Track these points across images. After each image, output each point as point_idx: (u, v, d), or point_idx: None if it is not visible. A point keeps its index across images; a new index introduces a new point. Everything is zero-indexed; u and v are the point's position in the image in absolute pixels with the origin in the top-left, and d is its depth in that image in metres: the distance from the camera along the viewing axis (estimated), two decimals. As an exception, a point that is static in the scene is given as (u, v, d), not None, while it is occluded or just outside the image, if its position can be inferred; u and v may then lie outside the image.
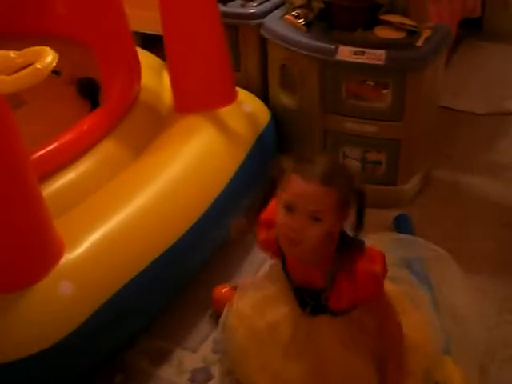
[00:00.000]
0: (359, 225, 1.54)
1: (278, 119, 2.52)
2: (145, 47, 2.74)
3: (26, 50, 1.38)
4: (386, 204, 2.45)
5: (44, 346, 1.58)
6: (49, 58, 1.30)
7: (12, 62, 1.35)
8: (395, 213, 2.41)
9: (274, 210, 1.56)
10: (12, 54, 1.37)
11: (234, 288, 1.96)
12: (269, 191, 1.60)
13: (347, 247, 1.56)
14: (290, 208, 1.47)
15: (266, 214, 1.67)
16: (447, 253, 1.93)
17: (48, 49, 1.34)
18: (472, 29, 3.62)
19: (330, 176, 1.44)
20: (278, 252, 1.65)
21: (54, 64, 1.30)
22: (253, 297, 1.78)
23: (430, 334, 1.74)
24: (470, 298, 2.00)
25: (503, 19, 3.77)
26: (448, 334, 1.82)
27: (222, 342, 1.86)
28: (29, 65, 1.31)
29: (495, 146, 2.86)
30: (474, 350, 1.86)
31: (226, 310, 1.84)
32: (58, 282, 1.63)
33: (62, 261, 1.67)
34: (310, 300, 1.65)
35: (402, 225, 2.36)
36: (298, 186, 1.46)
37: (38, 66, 1.28)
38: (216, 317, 1.98)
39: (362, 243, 1.57)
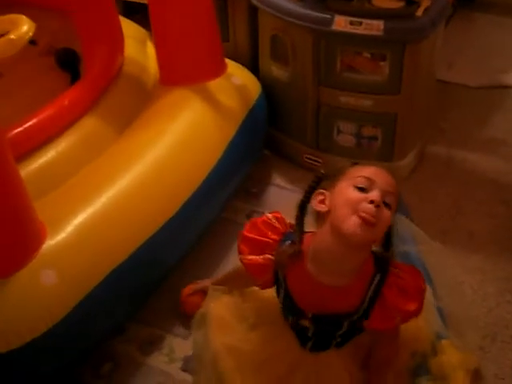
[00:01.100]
0: (388, 244, 1.48)
1: (269, 92, 2.42)
2: (127, 15, 2.62)
3: (1, 19, 1.26)
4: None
5: (27, 338, 1.48)
6: (24, 27, 1.18)
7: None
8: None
9: (257, 229, 1.50)
10: (-14, 23, 1.25)
11: (203, 291, 1.83)
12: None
13: (383, 261, 1.47)
14: (364, 189, 1.38)
15: (248, 232, 1.53)
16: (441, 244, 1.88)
17: (23, 17, 1.22)
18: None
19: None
20: (273, 278, 1.52)
21: (31, 34, 1.20)
22: (237, 327, 1.63)
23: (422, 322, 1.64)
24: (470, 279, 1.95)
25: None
26: (446, 317, 1.74)
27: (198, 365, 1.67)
28: (3, 34, 1.19)
29: (490, 120, 2.79)
30: (474, 332, 1.80)
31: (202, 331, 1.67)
32: (40, 271, 1.53)
33: (44, 247, 1.57)
34: (317, 334, 1.53)
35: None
36: (373, 168, 1.42)
37: (13, 36, 1.17)
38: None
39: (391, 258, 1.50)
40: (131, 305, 1.80)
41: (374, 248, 1.49)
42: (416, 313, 1.44)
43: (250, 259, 1.51)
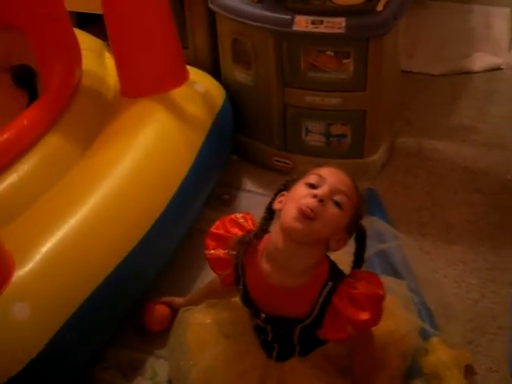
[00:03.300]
0: (359, 260, 1.50)
1: (233, 97, 2.38)
2: (81, 27, 2.55)
3: None
4: (353, 177, 2.32)
5: (2, 379, 1.40)
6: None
7: None
8: (363, 186, 2.30)
9: (224, 226, 1.54)
10: None
11: (168, 304, 1.83)
12: None
13: (339, 271, 1.47)
14: (314, 185, 1.39)
15: (215, 228, 1.58)
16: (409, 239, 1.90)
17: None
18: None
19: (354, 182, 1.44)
20: (234, 273, 1.54)
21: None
22: (212, 344, 1.61)
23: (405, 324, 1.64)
24: (452, 272, 1.93)
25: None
26: (433, 313, 1.73)
27: None
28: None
29: (455, 108, 2.79)
30: (462, 326, 1.78)
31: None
32: (12, 305, 1.45)
33: (13, 279, 1.49)
34: (277, 339, 1.53)
35: (370, 200, 2.25)
36: (329, 168, 1.43)
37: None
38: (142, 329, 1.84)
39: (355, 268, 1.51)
40: (109, 329, 1.74)
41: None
42: (370, 322, 1.41)
43: (213, 253, 1.55)
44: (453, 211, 2.24)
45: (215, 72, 2.46)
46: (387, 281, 1.59)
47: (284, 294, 1.46)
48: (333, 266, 1.47)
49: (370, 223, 1.69)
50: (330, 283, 1.43)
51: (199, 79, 2.26)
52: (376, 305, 1.41)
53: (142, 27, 2.06)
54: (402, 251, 1.89)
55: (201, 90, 2.21)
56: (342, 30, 2.03)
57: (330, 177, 1.40)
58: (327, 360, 1.55)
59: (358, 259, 1.51)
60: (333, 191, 1.38)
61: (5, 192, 1.73)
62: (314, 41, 2.11)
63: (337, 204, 1.38)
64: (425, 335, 1.66)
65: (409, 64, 2.98)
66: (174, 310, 1.77)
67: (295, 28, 2.08)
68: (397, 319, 1.62)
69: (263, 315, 1.49)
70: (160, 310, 1.82)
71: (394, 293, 1.64)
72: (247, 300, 1.52)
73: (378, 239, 1.86)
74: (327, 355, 1.55)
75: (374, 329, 1.49)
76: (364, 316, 1.39)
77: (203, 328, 1.63)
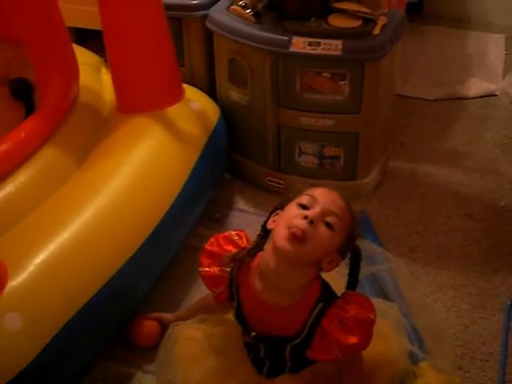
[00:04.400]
0: (353, 282, 1.50)
1: (228, 116, 2.39)
2: (79, 42, 2.56)
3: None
4: (347, 199, 2.34)
5: (-8, 389, 1.40)
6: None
7: None
8: (355, 208, 2.30)
9: (218, 243, 1.54)
10: None
11: (158, 320, 1.82)
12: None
13: (331, 292, 1.47)
14: (306, 206, 1.39)
15: (209, 245, 1.57)
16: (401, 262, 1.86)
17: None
18: (412, 12, 3.55)
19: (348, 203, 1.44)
20: (228, 290, 1.54)
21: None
22: (203, 359, 1.60)
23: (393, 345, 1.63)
24: (442, 297, 1.93)
25: (442, 2, 3.74)
26: (423, 337, 1.72)
27: None
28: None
29: (449, 133, 2.81)
30: (451, 351, 1.78)
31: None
32: (4, 315, 1.45)
33: (6, 290, 1.49)
34: (269, 355, 1.53)
35: (361, 222, 2.26)
36: (321, 189, 1.43)
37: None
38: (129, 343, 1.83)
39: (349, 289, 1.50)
40: (100, 342, 1.74)
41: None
42: (358, 346, 1.41)
43: (207, 271, 1.54)
44: (444, 236, 2.24)
45: (211, 91, 2.47)
46: (378, 303, 1.59)
47: (275, 313, 1.46)
48: (325, 287, 1.47)
49: (361, 245, 1.70)
50: (321, 304, 1.43)
51: (195, 97, 2.28)
52: (365, 329, 1.41)
53: (139, 45, 2.07)
54: (392, 274, 1.88)
55: (196, 108, 2.22)
56: (338, 52, 2.06)
57: (322, 198, 1.40)
58: (318, 378, 1.54)
59: (352, 281, 1.51)
60: (324, 212, 1.38)
61: (0, 203, 1.74)
62: (310, 62, 2.13)
63: (328, 225, 1.38)
64: (414, 359, 1.64)
65: (404, 88, 3.01)
66: (164, 326, 1.76)
67: (292, 49, 2.10)
68: (388, 342, 1.61)
69: (253, 333, 1.50)
70: (149, 326, 1.81)
71: (386, 315, 1.64)
72: (240, 317, 1.52)
73: (368, 261, 1.86)
74: (318, 373, 1.55)
75: (364, 351, 1.49)
76: (352, 340, 1.38)
77: (193, 343, 1.62)
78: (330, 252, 1.41)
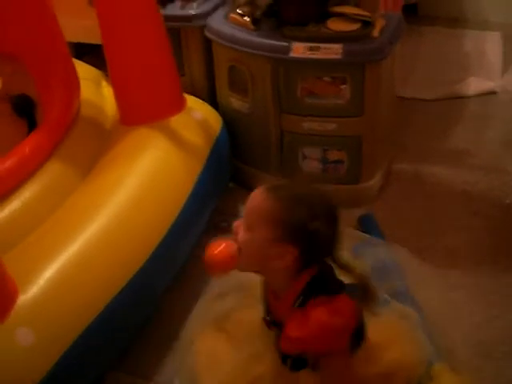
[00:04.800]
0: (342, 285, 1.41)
1: (230, 124, 2.39)
2: (77, 57, 2.56)
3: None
4: (350, 203, 2.35)
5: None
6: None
7: None
8: (360, 212, 2.31)
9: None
10: None
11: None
12: None
13: (319, 288, 1.40)
14: None
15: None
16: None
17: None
18: (408, 14, 3.55)
19: (282, 193, 1.35)
20: None
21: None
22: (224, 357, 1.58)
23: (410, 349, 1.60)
24: (453, 297, 1.92)
25: (438, 2, 3.75)
26: (437, 339, 1.71)
27: None
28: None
29: (450, 132, 2.81)
30: (466, 352, 1.77)
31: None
32: (15, 330, 1.44)
33: (17, 305, 1.49)
34: None
35: (368, 225, 2.26)
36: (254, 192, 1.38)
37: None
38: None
39: (337, 290, 1.40)
40: (112, 355, 1.73)
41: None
42: (294, 341, 1.36)
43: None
44: (451, 236, 2.23)
45: (211, 100, 2.48)
46: (396, 307, 1.61)
47: (275, 300, 1.46)
48: (313, 282, 1.40)
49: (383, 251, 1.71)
50: (301, 298, 1.39)
51: (196, 107, 2.28)
52: (317, 330, 1.35)
53: (140, 56, 2.08)
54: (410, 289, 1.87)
55: (198, 117, 2.23)
56: (338, 56, 2.06)
57: (247, 203, 1.38)
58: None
59: (339, 284, 1.44)
60: (244, 218, 1.37)
61: (7, 218, 1.74)
62: (310, 67, 2.13)
63: (248, 229, 1.35)
64: (429, 362, 1.61)
65: (403, 90, 3.00)
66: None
67: (292, 55, 2.11)
68: (404, 347, 1.60)
69: (268, 317, 1.50)
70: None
71: (405, 319, 1.63)
72: (264, 296, 1.51)
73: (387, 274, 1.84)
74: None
75: (381, 355, 1.48)
76: (293, 333, 1.35)
77: (213, 354, 1.60)
78: (267, 249, 1.36)
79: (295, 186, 1.40)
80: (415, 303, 1.76)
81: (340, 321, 1.36)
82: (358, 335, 1.45)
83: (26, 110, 2.29)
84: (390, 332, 1.58)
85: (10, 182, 1.80)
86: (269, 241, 1.34)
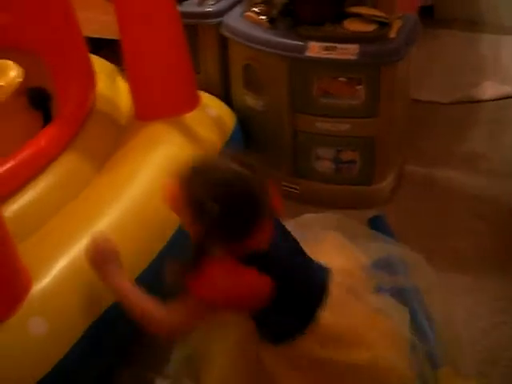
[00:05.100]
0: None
1: (243, 122, 2.40)
2: (93, 51, 2.57)
3: (-14, 66, 1.22)
4: (362, 204, 2.37)
5: (17, 393, 1.41)
6: (12, 73, 1.13)
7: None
8: (371, 213, 2.32)
9: None
10: (-29, 69, 1.21)
11: None
12: None
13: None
14: None
15: None
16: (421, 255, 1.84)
17: (10, 63, 1.18)
18: (424, 16, 3.55)
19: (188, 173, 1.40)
20: None
21: (20, 80, 1.14)
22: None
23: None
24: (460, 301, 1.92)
25: (454, 5, 3.74)
26: (443, 343, 1.71)
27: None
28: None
29: (465, 136, 2.81)
30: (472, 357, 1.77)
31: None
32: (28, 319, 1.46)
33: (30, 294, 1.50)
34: None
35: (378, 226, 2.25)
36: None
37: (1, 83, 1.12)
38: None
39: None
40: (123, 345, 1.75)
41: None
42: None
43: None
44: (461, 240, 2.24)
45: (226, 97, 2.49)
46: (391, 302, 1.61)
47: None
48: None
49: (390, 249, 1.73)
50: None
51: (210, 104, 2.29)
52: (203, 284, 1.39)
53: (157, 52, 2.09)
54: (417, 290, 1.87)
55: (213, 114, 2.24)
56: (354, 57, 2.07)
57: None
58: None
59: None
60: None
61: (22, 209, 1.75)
62: (326, 67, 2.14)
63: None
64: (434, 365, 1.63)
65: (419, 92, 3.00)
66: None
67: (308, 54, 2.12)
68: (380, 350, 1.55)
69: None
70: None
71: (391, 316, 1.63)
72: None
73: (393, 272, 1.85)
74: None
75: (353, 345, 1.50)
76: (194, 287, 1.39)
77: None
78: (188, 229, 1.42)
79: (212, 169, 1.41)
80: (421, 303, 1.76)
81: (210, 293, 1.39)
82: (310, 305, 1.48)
83: (41, 103, 2.30)
84: (370, 326, 1.57)
85: (25, 174, 1.81)
86: (185, 222, 1.41)
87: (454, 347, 1.70)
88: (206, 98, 2.29)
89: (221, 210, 1.34)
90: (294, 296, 1.48)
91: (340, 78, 2.14)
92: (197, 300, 1.41)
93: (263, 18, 2.26)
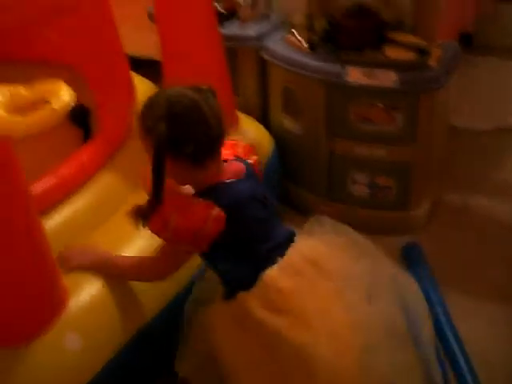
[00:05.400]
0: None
1: (280, 144, 2.41)
2: (134, 69, 2.61)
3: (38, 86, 1.24)
4: (396, 230, 2.36)
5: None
6: (65, 96, 1.15)
7: (24, 100, 1.21)
8: (405, 239, 2.32)
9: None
10: (23, 90, 1.23)
11: None
12: None
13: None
14: None
15: None
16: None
17: (63, 84, 1.20)
18: (463, 43, 3.54)
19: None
20: None
21: (72, 104, 1.16)
22: None
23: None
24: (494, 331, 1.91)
25: (493, 33, 3.72)
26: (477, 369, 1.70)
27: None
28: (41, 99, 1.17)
29: (502, 164, 2.79)
30: (503, 380, 1.76)
31: None
32: (64, 335, 1.48)
33: (67, 310, 1.52)
34: None
35: (412, 254, 2.25)
36: None
37: (55, 106, 1.13)
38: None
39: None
40: (159, 360, 1.75)
41: None
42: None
43: None
44: (497, 269, 2.22)
45: (264, 119, 2.51)
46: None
47: None
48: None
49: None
50: None
51: (249, 126, 2.31)
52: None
53: (197, 74, 2.10)
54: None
55: (251, 136, 2.25)
56: (393, 84, 2.07)
57: None
58: None
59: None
60: None
61: (60, 225, 1.78)
62: (365, 93, 2.15)
63: None
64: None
65: (456, 119, 2.99)
66: None
67: (347, 79, 2.12)
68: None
69: None
70: None
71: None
72: None
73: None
74: None
75: None
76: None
77: None
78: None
79: (159, 95, 1.49)
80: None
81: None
82: None
83: (81, 119, 2.34)
84: None
85: (65, 190, 1.84)
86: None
87: (485, 370, 1.72)
88: (244, 119, 2.31)
89: (167, 127, 1.41)
90: (244, 239, 1.51)
91: (378, 104, 2.14)
92: (162, 239, 1.48)
93: (304, 42, 2.27)
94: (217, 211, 1.44)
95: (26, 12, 1.64)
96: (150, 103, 1.47)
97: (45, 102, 1.18)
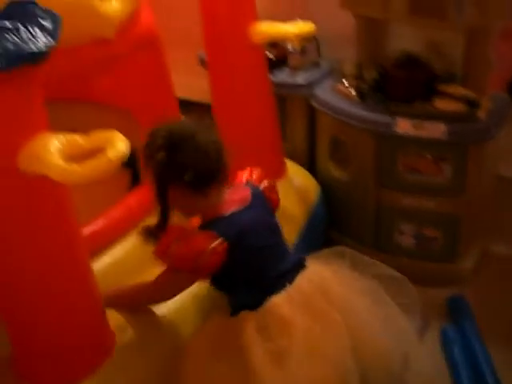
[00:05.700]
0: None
1: (328, 193, 2.42)
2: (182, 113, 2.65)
3: (94, 135, 1.27)
4: (441, 282, 2.33)
5: None
6: (120, 145, 1.18)
7: (80, 148, 1.25)
8: (451, 291, 2.29)
9: None
10: (79, 139, 1.26)
11: None
12: None
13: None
14: None
15: None
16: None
17: (118, 134, 1.23)
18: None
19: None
20: None
21: (127, 153, 1.19)
22: None
23: None
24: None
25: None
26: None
27: None
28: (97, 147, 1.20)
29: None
30: None
31: None
32: (112, 378, 1.50)
33: (114, 352, 1.54)
34: None
35: (457, 306, 2.22)
36: None
37: (110, 156, 1.16)
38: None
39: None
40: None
41: None
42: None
43: None
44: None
45: (310, 167, 2.52)
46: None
47: None
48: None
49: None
50: None
51: (296, 173, 2.32)
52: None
53: (247, 120, 2.14)
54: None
55: (298, 184, 2.27)
56: (442, 136, 2.07)
57: None
58: None
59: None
60: None
61: (110, 267, 1.81)
62: (413, 144, 2.15)
63: None
64: None
65: (505, 169, 2.95)
66: None
67: (396, 130, 2.13)
68: None
69: None
70: None
71: None
72: None
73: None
74: None
75: None
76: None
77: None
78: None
79: (159, 128, 1.57)
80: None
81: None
82: None
83: (131, 163, 2.37)
84: None
85: (116, 232, 1.87)
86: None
87: None
88: (291, 166, 2.32)
89: (167, 155, 1.49)
90: (251, 267, 1.55)
91: (427, 156, 2.14)
92: (164, 265, 1.54)
93: (353, 92, 2.29)
94: (218, 242, 1.49)
95: (78, 61, 1.68)
96: (153, 134, 1.55)
97: (100, 150, 1.21)
